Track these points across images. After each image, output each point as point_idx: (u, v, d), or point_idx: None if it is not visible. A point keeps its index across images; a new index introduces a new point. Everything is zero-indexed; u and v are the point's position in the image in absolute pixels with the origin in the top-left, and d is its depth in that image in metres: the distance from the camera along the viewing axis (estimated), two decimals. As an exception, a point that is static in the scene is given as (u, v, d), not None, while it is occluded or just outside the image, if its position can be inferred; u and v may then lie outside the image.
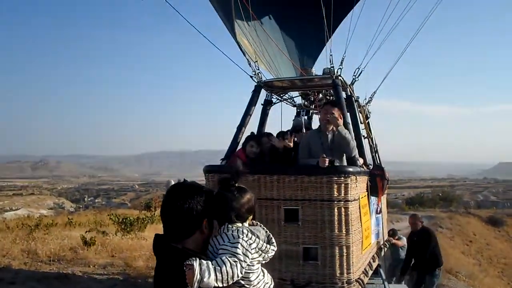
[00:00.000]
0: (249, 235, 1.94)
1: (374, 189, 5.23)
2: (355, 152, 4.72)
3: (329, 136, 4.79)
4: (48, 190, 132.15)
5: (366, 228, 4.91)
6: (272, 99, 6.23)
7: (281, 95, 6.52)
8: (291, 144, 5.24)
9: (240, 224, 1.99)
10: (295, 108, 7.33)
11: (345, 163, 4.74)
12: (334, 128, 4.80)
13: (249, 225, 2.04)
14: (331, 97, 6.56)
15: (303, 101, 6.92)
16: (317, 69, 6.53)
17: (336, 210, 4.25)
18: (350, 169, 4.39)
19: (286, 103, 6.93)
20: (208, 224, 1.93)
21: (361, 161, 4.88)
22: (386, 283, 6.38)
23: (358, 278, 4.38)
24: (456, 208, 46.28)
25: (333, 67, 5.40)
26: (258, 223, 2.10)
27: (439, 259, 7.58)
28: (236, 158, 4.91)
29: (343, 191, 4.29)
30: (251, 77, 5.66)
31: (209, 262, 1.77)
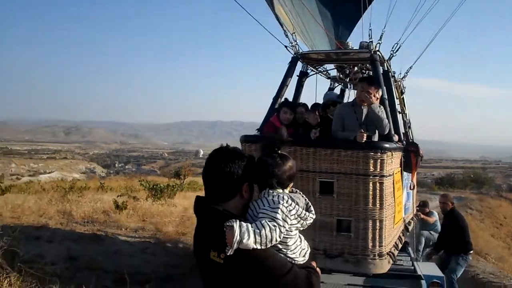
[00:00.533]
0: (289, 201, 1.96)
1: (408, 165, 5.23)
2: (387, 130, 4.70)
3: (364, 111, 4.78)
4: (80, 155, 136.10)
5: (399, 203, 4.94)
6: (308, 70, 6.16)
7: (317, 67, 6.45)
8: (318, 118, 5.39)
9: (280, 190, 2.01)
10: (329, 80, 7.29)
11: (376, 139, 4.75)
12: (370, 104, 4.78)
13: (289, 192, 2.06)
14: (367, 72, 6.49)
15: (338, 73, 6.83)
16: (352, 41, 6.44)
17: (371, 185, 4.30)
18: (387, 145, 4.39)
19: (321, 75, 6.84)
20: (248, 189, 1.98)
21: (396, 137, 4.83)
22: (414, 260, 6.37)
23: (389, 252, 4.45)
24: (487, 190, 45.10)
25: (372, 41, 5.28)
26: (298, 190, 2.12)
27: (468, 244, 7.30)
28: (274, 126, 4.97)
29: (379, 167, 4.32)
30: (285, 47, 5.59)
31: (249, 225, 1.81)
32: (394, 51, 5.68)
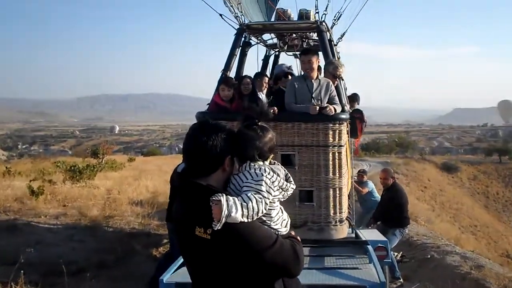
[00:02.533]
0: (271, 173, 2.01)
1: (354, 131, 5.72)
2: (337, 99, 5.09)
3: (315, 84, 5.09)
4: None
5: (348, 170, 5.45)
6: (250, 40, 6.44)
7: (257, 37, 6.72)
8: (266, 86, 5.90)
9: (261, 163, 2.05)
10: (266, 48, 7.62)
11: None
12: (317, 76, 5.16)
13: (269, 164, 2.11)
14: (307, 40, 6.83)
15: (278, 41, 7.05)
16: (285, 6, 6.70)
17: (331, 155, 4.74)
18: (344, 116, 4.88)
19: (262, 45, 7.15)
20: (230, 162, 2.01)
21: (347, 106, 5.32)
22: (355, 228, 6.63)
23: (347, 217, 5.00)
24: (411, 154, 48.40)
25: (310, 10, 5.78)
26: (276, 162, 2.17)
27: (405, 219, 7.57)
28: (216, 103, 5.25)
29: (337, 137, 4.77)
30: (220, 15, 5.59)
31: (235, 198, 1.85)
32: (336, 20, 5.91)
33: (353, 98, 7.10)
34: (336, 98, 5.09)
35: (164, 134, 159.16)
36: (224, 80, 5.41)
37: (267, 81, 6.11)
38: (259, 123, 2.08)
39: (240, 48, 5.99)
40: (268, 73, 7.41)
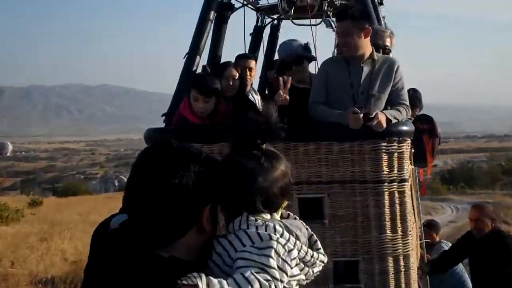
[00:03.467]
0: (286, 234, 1.47)
1: (421, 155, 4.25)
2: (404, 97, 3.56)
3: (365, 68, 3.46)
4: None
5: (416, 223, 4.12)
6: (231, 1, 4.60)
7: None
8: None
9: (268, 216, 1.52)
10: (258, 14, 5.28)
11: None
12: (370, 55, 3.51)
13: (282, 217, 1.58)
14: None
15: (280, 2, 4.72)
16: None
17: (387, 197, 3.34)
18: (407, 128, 3.38)
19: (251, 8, 5.03)
20: (210, 215, 1.49)
21: (410, 111, 3.71)
22: None
23: None
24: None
25: None
26: (292, 214, 1.63)
27: None
28: (184, 119, 3.62)
29: (396, 165, 3.35)
30: None
31: (223, 281, 1.34)
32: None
33: (411, 98, 4.72)
34: (404, 94, 3.53)
35: (95, 156, 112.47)
36: (198, 82, 3.65)
37: (252, 66, 4.17)
38: (264, 146, 1.56)
39: (216, 14, 4.21)
40: (261, 55, 5.24)
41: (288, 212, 1.62)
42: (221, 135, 3.25)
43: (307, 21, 4.61)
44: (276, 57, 4.68)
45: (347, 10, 3.72)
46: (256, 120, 1.59)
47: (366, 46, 3.47)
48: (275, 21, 5.44)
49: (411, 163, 3.84)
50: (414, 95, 4.69)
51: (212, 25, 4.15)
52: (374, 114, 3.16)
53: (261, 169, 1.54)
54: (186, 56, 3.95)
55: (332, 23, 4.44)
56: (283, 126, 1.57)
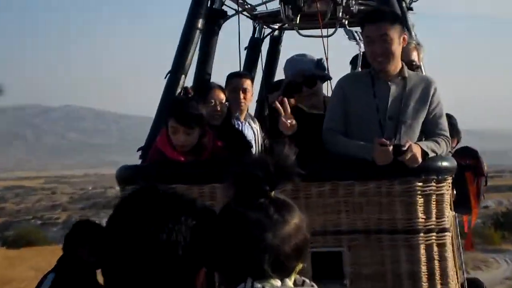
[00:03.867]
0: None
1: (463, 198, 3.79)
2: (443, 126, 3.13)
3: (393, 88, 3.01)
4: None
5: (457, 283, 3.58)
6: (225, 7, 4.15)
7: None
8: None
9: (278, 283, 1.28)
10: (255, 23, 4.79)
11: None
12: (401, 70, 3.06)
13: (296, 285, 1.34)
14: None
15: (283, 6, 4.07)
16: None
17: (423, 251, 2.93)
18: (447, 164, 2.95)
19: (247, 16, 4.57)
20: (207, 280, 1.37)
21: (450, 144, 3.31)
22: None
23: None
24: None
25: None
26: (307, 280, 1.39)
27: None
28: (162, 154, 3.10)
29: (434, 211, 2.92)
30: None
31: None
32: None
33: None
34: (443, 123, 3.09)
35: (55, 196, 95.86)
36: (177, 109, 3.14)
37: (247, 86, 3.67)
38: (273, 194, 1.34)
39: (205, 22, 3.74)
40: (258, 73, 4.70)
41: (303, 278, 1.43)
42: (210, 174, 2.76)
43: (317, 32, 4.08)
44: (281, 76, 4.21)
45: (383, 11, 3.23)
46: (264, 160, 1.39)
47: (400, 60, 3.04)
48: (276, 32, 5.01)
49: (451, 208, 3.32)
50: (449, 121, 4.02)
51: (200, 36, 3.67)
52: (407, 146, 2.73)
53: (270, 222, 1.37)
54: (168, 74, 3.51)
55: (355, 34, 3.84)
56: (299, 171, 1.33)
